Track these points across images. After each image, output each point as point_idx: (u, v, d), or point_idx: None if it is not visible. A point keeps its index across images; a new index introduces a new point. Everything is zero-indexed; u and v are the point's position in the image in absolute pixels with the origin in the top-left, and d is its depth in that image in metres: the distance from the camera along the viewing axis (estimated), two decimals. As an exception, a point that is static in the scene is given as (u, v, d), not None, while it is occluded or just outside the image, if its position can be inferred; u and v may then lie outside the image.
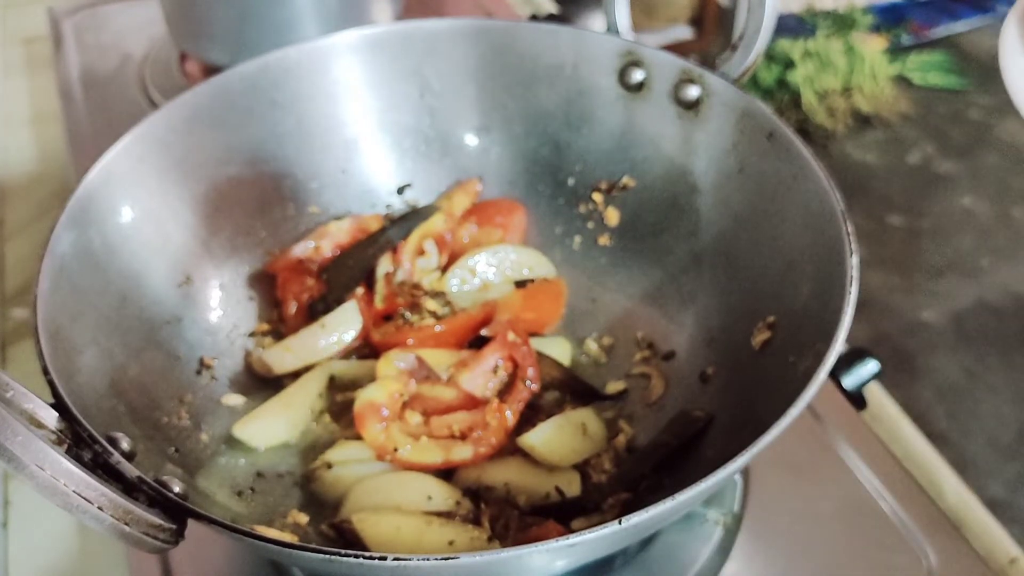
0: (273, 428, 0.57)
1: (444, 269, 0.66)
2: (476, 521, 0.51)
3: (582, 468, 0.55)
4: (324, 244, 0.65)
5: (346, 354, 0.61)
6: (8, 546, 0.60)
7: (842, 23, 1.37)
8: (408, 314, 0.63)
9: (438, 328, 0.61)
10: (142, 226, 0.57)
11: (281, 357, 0.60)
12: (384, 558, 0.36)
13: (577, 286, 0.66)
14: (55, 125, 0.93)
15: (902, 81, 1.32)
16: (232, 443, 0.56)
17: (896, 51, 1.33)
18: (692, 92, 0.59)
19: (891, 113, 1.31)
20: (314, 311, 0.62)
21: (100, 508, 0.35)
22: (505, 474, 0.54)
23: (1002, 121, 1.20)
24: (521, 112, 0.67)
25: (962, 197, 1.10)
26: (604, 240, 0.67)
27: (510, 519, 0.51)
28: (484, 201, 0.69)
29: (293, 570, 0.54)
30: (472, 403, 0.56)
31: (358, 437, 0.55)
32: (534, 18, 0.88)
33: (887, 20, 1.39)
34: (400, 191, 0.69)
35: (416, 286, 0.64)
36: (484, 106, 0.68)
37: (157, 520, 0.37)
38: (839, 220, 0.49)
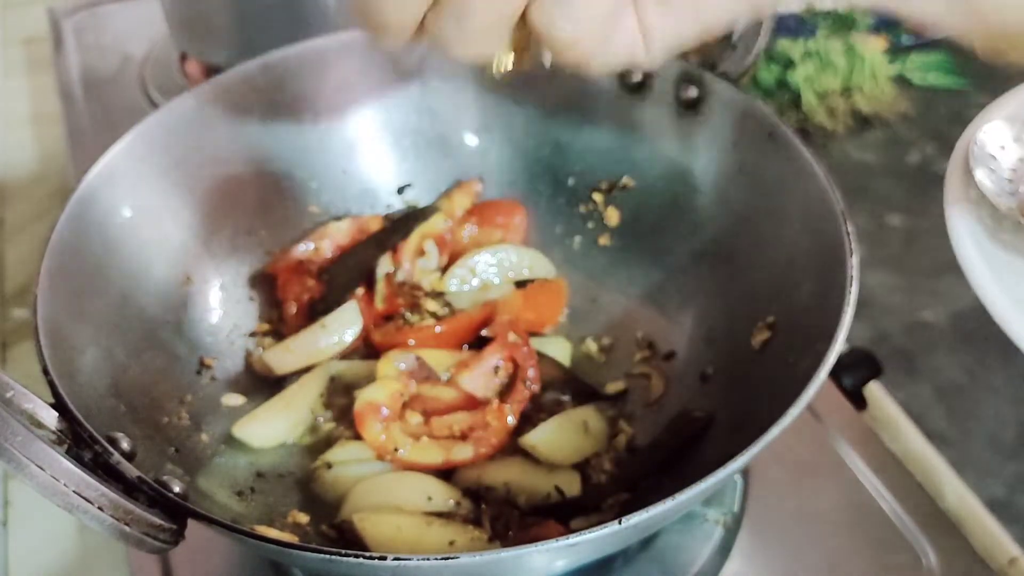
0: (273, 428, 0.57)
1: (444, 269, 0.66)
2: (476, 521, 0.51)
3: (582, 468, 0.55)
4: (324, 245, 0.65)
5: (346, 354, 0.61)
6: (8, 546, 0.60)
7: (842, 23, 1.37)
8: (408, 314, 0.63)
9: (438, 329, 0.61)
10: (142, 226, 0.57)
11: (282, 357, 0.60)
12: (384, 558, 0.36)
13: (577, 286, 0.66)
14: (55, 125, 0.93)
15: (902, 81, 1.32)
16: (232, 443, 0.56)
17: (896, 51, 1.33)
18: (692, 92, 0.59)
19: (891, 113, 1.31)
20: (314, 311, 0.62)
21: (100, 508, 0.35)
22: (505, 474, 0.54)
23: (1002, 121, 1.19)
24: (521, 112, 0.67)
25: (962, 197, 1.10)
26: (604, 240, 0.67)
27: (510, 519, 0.51)
28: (484, 201, 0.69)
29: (293, 570, 0.54)
30: (473, 403, 0.56)
31: (358, 437, 0.55)
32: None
33: (887, 20, 1.39)
34: (400, 191, 0.69)
35: (416, 286, 0.64)
36: (484, 106, 0.68)
37: (157, 520, 0.37)
38: (839, 220, 0.49)
